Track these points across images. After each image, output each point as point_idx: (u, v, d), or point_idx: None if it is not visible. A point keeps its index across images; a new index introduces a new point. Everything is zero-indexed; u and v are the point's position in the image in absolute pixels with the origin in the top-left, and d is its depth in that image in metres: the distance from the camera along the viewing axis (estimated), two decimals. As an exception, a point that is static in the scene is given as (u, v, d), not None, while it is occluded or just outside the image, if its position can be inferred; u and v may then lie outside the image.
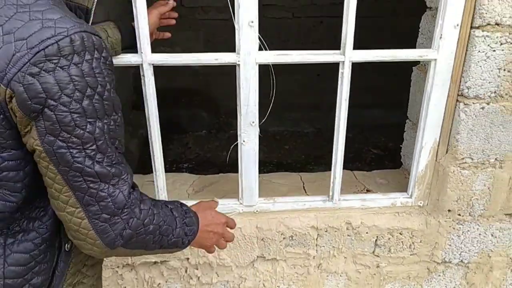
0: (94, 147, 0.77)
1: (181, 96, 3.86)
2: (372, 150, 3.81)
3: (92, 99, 0.75)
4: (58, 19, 0.73)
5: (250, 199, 1.56)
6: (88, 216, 0.81)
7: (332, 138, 1.51)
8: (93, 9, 0.87)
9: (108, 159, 0.80)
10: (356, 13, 1.30)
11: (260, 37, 1.31)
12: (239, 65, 1.34)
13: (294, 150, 3.79)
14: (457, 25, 1.34)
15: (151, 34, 1.30)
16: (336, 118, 1.47)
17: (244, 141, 1.45)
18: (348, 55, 1.35)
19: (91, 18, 0.88)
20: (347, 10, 1.29)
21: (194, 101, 3.90)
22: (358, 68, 1.50)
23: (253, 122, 1.43)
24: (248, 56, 1.33)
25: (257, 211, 1.58)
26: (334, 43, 1.45)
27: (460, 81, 1.41)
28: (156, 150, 1.46)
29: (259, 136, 1.47)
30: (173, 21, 1.40)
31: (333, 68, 1.41)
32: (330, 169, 1.56)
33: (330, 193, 1.58)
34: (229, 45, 1.37)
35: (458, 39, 1.36)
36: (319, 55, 1.37)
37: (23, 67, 0.70)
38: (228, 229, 1.18)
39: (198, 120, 3.93)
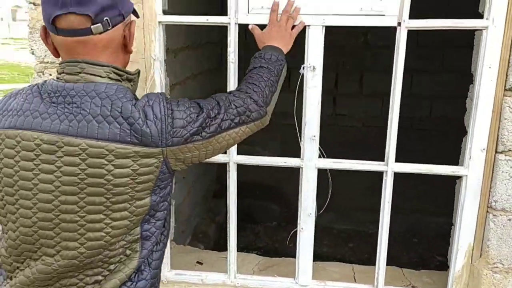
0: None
1: (256, 189, 4.29)
2: (436, 257, 3.87)
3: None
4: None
5: (304, 279, 1.85)
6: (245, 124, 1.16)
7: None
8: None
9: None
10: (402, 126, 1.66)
11: (320, 148, 1.71)
12: (302, 168, 1.73)
13: (357, 249, 3.97)
14: (484, 149, 1.64)
15: None
16: (380, 220, 1.76)
17: (302, 228, 1.79)
18: (390, 166, 1.69)
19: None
20: (390, 127, 1.66)
21: (267, 194, 4.31)
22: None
23: (310, 214, 1.78)
24: (309, 161, 1.72)
25: (310, 290, 1.86)
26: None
27: (489, 195, 1.67)
28: (231, 230, 1.84)
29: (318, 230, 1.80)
30: None
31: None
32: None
33: (375, 283, 1.83)
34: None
35: (485, 160, 1.65)
36: (365, 164, 1.72)
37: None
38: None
39: (269, 212, 4.30)
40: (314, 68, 1.62)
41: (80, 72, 1.01)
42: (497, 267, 1.69)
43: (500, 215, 1.65)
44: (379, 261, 1.80)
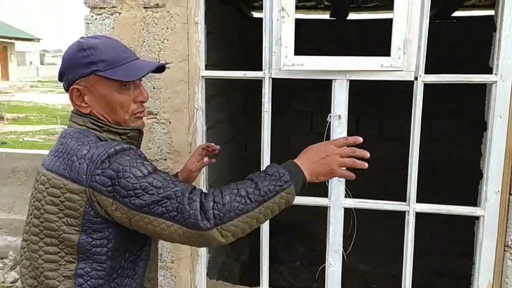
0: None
1: (281, 228, 4.41)
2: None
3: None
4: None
5: (332, 313, 1.96)
6: (179, 224, 1.06)
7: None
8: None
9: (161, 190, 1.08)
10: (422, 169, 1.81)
11: (346, 188, 1.87)
12: (330, 207, 1.89)
13: (381, 291, 4.01)
14: (498, 191, 1.78)
15: (190, 170, 1.61)
16: (404, 260, 1.89)
17: (330, 264, 1.92)
18: (412, 206, 1.83)
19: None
20: (411, 170, 1.81)
21: (292, 233, 4.42)
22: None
23: (338, 250, 1.91)
24: (337, 201, 1.88)
25: (337, 324, 1.96)
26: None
27: (505, 234, 1.79)
28: (263, 265, 1.98)
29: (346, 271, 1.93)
30: (213, 160, 1.68)
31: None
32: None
33: (399, 318, 1.93)
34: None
35: (500, 201, 1.78)
36: (388, 204, 1.87)
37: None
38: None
39: (293, 252, 4.39)
40: (339, 117, 1.81)
41: (70, 120, 1.26)
42: (516, 304, 1.78)
43: (517, 253, 1.76)
44: (403, 297, 1.91)
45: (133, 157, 1.12)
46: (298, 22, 1.82)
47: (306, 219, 4.28)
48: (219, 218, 1.05)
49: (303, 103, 4.74)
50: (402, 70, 1.73)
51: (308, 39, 4.08)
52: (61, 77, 1.25)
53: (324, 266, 1.95)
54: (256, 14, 4.46)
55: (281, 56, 1.73)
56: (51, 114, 16.44)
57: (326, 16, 4.33)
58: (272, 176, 1.09)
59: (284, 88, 2.69)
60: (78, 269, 1.14)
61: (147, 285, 1.30)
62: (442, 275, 4.13)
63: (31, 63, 39.57)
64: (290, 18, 1.71)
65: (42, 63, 44.42)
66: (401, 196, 1.88)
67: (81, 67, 1.19)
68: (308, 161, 1.14)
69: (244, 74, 1.87)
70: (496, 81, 1.71)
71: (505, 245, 1.80)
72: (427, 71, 1.73)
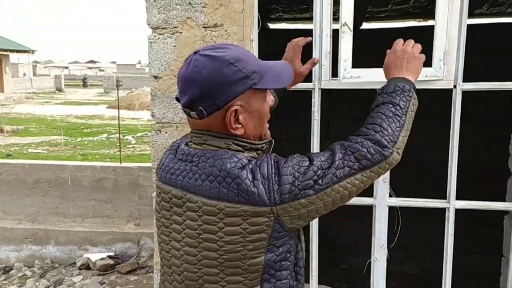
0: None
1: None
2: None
3: None
4: None
5: (378, 304, 2.12)
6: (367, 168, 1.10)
7: (436, 281, 2.07)
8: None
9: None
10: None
11: (390, 188, 2.04)
12: (375, 205, 2.06)
13: (400, 288, 4.17)
14: (530, 187, 1.96)
15: (297, 77, 1.56)
16: (444, 258, 2.05)
17: (376, 258, 2.09)
18: (452, 203, 2.01)
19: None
20: (450, 169, 1.99)
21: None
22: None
23: (383, 246, 2.08)
24: (382, 200, 2.05)
25: (383, 315, 2.12)
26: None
27: (538, 227, 1.97)
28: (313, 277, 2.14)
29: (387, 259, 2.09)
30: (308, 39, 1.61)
31: (438, 212, 2.05)
32: None
33: (441, 307, 2.09)
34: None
35: (532, 196, 1.96)
36: (430, 202, 2.04)
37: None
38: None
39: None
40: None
41: (203, 143, 1.12)
42: (550, 289, 1.95)
43: (549, 243, 1.94)
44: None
45: (284, 159, 1.10)
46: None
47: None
48: (392, 141, 1.11)
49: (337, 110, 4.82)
50: (442, 80, 1.91)
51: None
52: (192, 104, 1.08)
53: (370, 261, 2.12)
54: (272, 26, 4.64)
55: (340, 69, 1.90)
56: (51, 126, 16.50)
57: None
58: (395, 92, 1.20)
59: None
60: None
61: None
62: (460, 273, 4.30)
63: (24, 74, 39.48)
64: (350, 33, 1.89)
65: (34, 74, 44.31)
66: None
67: (236, 84, 1.06)
68: (402, 68, 1.27)
69: (296, 86, 2.04)
70: (527, 88, 1.90)
71: (537, 237, 1.98)
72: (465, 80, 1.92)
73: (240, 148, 1.11)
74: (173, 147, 1.22)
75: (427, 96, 2.42)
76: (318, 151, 2.04)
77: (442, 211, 2.03)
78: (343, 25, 1.88)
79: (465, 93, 1.93)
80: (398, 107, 1.17)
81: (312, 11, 2.02)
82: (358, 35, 4.48)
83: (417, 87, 1.89)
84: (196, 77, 1.06)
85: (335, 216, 2.23)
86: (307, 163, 1.07)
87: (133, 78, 37.24)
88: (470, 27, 2.01)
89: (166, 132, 2.09)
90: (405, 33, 4.97)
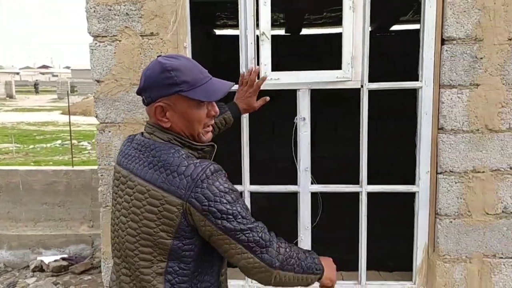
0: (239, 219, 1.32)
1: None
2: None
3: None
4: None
5: (305, 280, 2.39)
6: (254, 254, 1.26)
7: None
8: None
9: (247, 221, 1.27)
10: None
11: (312, 177, 2.32)
12: (299, 192, 2.33)
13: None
14: (428, 171, 2.29)
15: (250, 109, 1.91)
16: (360, 230, 2.36)
17: (301, 238, 2.36)
18: (364, 187, 2.31)
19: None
20: (362, 159, 2.29)
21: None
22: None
23: (307, 227, 2.36)
24: (305, 187, 2.32)
25: None
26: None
27: (435, 204, 2.30)
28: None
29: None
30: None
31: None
32: (357, 262, 2.40)
33: (359, 279, 2.39)
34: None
35: (430, 179, 2.29)
36: (346, 187, 2.34)
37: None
38: None
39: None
40: (304, 119, 2.26)
41: (152, 134, 1.35)
42: (446, 258, 2.29)
43: (444, 219, 2.27)
44: (361, 263, 2.38)
45: (225, 180, 1.28)
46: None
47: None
48: (284, 264, 1.30)
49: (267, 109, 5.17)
50: (351, 80, 2.22)
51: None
52: (140, 92, 1.36)
53: (297, 241, 2.39)
54: (218, 32, 4.89)
55: (261, 72, 2.16)
56: (1, 133, 16.03)
57: (281, 32, 4.84)
58: (314, 262, 1.38)
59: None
60: (168, 267, 1.30)
61: (221, 279, 1.43)
62: (393, 256, 4.68)
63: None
64: (268, 41, 2.15)
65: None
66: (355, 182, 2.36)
67: (165, 87, 1.29)
68: (328, 269, 1.42)
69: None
70: (421, 86, 2.23)
71: (435, 213, 2.31)
72: (375, 80, 2.23)
73: (179, 144, 1.32)
74: (131, 137, 1.45)
75: (340, 98, 2.69)
76: (248, 146, 2.30)
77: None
78: (262, 34, 2.14)
79: (381, 93, 2.25)
80: (304, 263, 1.36)
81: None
82: (299, 39, 4.85)
83: (331, 87, 2.19)
84: (144, 74, 1.34)
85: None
86: (234, 198, 1.26)
87: (89, 84, 36.47)
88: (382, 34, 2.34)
89: (110, 132, 2.29)
90: (334, 39, 5.40)
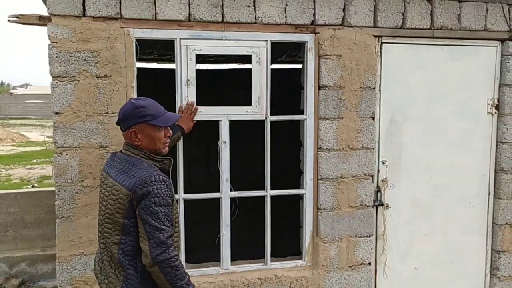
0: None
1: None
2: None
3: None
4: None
5: (226, 265, 3.12)
6: (148, 243, 1.89)
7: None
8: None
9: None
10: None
11: (231, 185, 3.08)
12: (222, 198, 3.07)
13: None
14: (311, 178, 3.21)
15: (189, 129, 2.86)
16: (265, 225, 3.17)
17: (224, 234, 3.09)
18: (268, 192, 3.14)
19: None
20: (266, 172, 3.12)
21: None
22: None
23: (227, 224, 3.10)
24: (226, 193, 3.07)
25: (230, 272, 3.13)
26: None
27: (317, 202, 3.22)
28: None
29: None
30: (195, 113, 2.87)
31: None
32: (264, 248, 3.20)
33: (265, 261, 3.20)
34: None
35: (313, 184, 3.21)
36: (256, 192, 3.15)
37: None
38: None
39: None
40: (225, 142, 3.03)
41: (127, 150, 2.08)
42: (325, 240, 3.22)
43: (323, 212, 3.21)
44: (267, 249, 3.20)
45: (163, 188, 1.92)
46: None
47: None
48: (163, 266, 1.89)
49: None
50: (258, 114, 3.05)
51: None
52: (119, 123, 2.09)
53: (220, 236, 3.12)
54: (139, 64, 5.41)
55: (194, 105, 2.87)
56: None
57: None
58: None
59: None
60: (122, 239, 1.98)
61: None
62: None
63: None
64: (193, 86, 2.88)
65: None
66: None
67: (137, 118, 2.02)
68: None
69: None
70: (306, 119, 3.15)
71: (317, 208, 3.23)
72: (277, 113, 3.09)
73: (145, 157, 2.06)
74: (113, 153, 2.19)
75: (255, 126, 3.49)
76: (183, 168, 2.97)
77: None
78: (188, 81, 2.87)
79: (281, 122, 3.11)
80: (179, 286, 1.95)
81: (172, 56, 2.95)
82: (223, 73, 5.64)
83: (244, 118, 2.99)
84: (121, 110, 2.11)
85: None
86: (163, 202, 1.92)
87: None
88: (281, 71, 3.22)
89: (67, 154, 2.77)
90: (229, 73, 6.32)
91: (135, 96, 2.88)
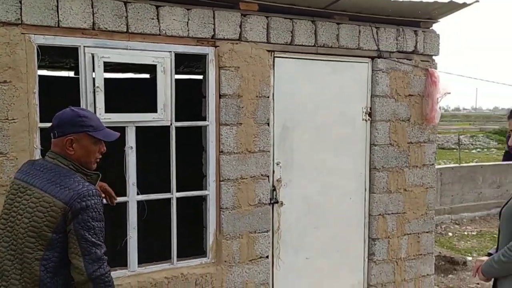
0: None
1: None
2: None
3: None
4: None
5: (133, 267, 3.21)
6: (83, 259, 1.86)
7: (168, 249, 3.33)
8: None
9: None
10: (175, 178, 3.30)
11: (138, 189, 3.18)
12: (128, 201, 3.16)
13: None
14: (214, 180, 3.45)
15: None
16: (171, 222, 3.33)
17: (131, 236, 3.18)
18: (174, 194, 3.30)
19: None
20: (172, 176, 3.28)
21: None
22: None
23: (134, 227, 3.19)
24: (132, 197, 3.16)
25: (137, 273, 3.22)
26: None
27: (220, 202, 3.46)
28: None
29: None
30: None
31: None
32: (170, 249, 3.35)
33: (172, 261, 3.35)
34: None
35: (215, 186, 3.45)
36: (162, 195, 3.29)
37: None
38: None
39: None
40: (131, 147, 3.13)
41: (55, 159, 1.99)
42: (227, 237, 3.48)
43: (225, 211, 3.46)
44: (173, 249, 3.35)
45: (98, 203, 1.92)
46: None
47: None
48: (97, 282, 1.87)
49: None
50: (164, 120, 3.21)
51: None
52: (52, 128, 2.00)
53: (126, 239, 3.20)
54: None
55: (96, 113, 2.92)
56: None
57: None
58: None
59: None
60: (45, 255, 1.88)
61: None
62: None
63: None
64: (101, 92, 2.95)
65: None
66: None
67: (77, 126, 1.97)
68: None
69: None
70: (208, 124, 3.39)
71: (220, 208, 3.48)
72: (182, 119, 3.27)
73: (74, 169, 2.00)
74: (31, 161, 2.16)
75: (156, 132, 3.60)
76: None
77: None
78: (97, 88, 2.95)
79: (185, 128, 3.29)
80: None
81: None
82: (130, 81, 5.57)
83: (150, 125, 3.13)
84: (58, 116, 2.04)
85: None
86: (99, 218, 1.92)
87: None
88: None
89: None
90: (131, 82, 6.33)
91: (37, 102, 2.87)
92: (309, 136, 3.82)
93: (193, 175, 3.89)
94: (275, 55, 3.61)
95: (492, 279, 2.47)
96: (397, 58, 4.05)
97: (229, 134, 3.44)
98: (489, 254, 2.46)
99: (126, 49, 3.07)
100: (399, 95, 4.08)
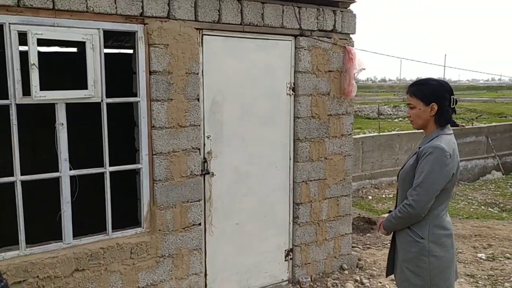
0: None
1: None
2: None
3: None
4: None
5: (68, 239, 3.32)
6: None
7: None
8: None
9: None
10: (108, 153, 3.41)
11: (70, 165, 3.27)
12: (61, 176, 3.24)
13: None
14: (147, 154, 3.60)
15: None
16: (105, 197, 3.46)
17: (65, 210, 3.28)
18: (107, 169, 3.42)
19: None
20: (104, 150, 3.39)
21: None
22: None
23: (68, 202, 3.29)
24: (65, 173, 3.25)
25: (72, 245, 3.34)
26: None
27: (153, 174, 3.63)
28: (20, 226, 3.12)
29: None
30: None
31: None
32: (105, 220, 3.50)
33: (107, 232, 3.50)
34: (55, 170, 3.25)
35: (148, 159, 3.61)
36: (93, 170, 3.40)
37: None
38: None
39: None
40: (62, 124, 3.20)
41: None
42: (161, 207, 3.67)
43: (159, 183, 3.64)
44: (108, 221, 3.49)
45: None
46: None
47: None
48: None
49: None
50: (94, 97, 3.29)
51: None
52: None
53: (61, 213, 3.29)
54: None
55: (32, 91, 2.95)
56: None
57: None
58: None
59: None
60: None
61: None
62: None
63: None
64: (36, 70, 2.97)
65: None
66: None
67: None
68: None
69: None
70: (139, 101, 3.51)
71: (153, 180, 3.65)
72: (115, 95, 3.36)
73: None
74: None
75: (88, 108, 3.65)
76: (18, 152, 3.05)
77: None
78: (32, 65, 2.97)
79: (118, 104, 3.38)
80: None
81: None
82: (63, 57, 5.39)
83: (81, 101, 3.20)
84: None
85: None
86: None
87: None
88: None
89: None
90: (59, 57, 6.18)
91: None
92: (237, 110, 4.05)
93: (128, 149, 4.01)
94: (203, 33, 3.76)
95: (392, 233, 2.89)
96: (317, 36, 4.36)
97: (161, 109, 3.59)
98: (390, 212, 2.87)
99: (53, 25, 3.09)
100: (320, 71, 4.41)
